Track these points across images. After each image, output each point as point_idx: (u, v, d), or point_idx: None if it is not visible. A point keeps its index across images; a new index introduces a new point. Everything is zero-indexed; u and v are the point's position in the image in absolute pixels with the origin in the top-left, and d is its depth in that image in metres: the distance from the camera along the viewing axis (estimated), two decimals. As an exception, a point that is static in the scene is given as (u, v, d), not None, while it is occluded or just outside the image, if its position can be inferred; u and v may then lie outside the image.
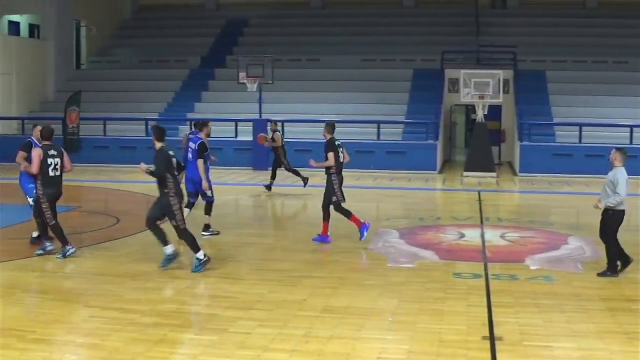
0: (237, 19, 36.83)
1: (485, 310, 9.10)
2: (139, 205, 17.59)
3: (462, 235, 14.13)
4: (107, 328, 8.37)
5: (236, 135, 26.42)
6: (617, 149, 11.08)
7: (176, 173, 11.14)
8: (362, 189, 21.13)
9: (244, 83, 25.67)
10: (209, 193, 13.87)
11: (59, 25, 32.36)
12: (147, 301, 9.46)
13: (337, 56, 32.00)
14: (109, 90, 31.41)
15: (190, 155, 13.65)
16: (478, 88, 24.82)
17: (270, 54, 26.77)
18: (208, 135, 13.97)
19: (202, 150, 13.49)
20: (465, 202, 19.56)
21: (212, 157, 14.77)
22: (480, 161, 24.62)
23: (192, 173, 13.57)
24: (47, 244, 12.23)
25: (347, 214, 13.48)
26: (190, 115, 28.38)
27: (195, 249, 11.03)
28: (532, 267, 11.46)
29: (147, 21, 38.54)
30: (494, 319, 8.73)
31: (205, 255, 11.00)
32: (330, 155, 13.17)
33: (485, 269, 11.29)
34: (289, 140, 25.77)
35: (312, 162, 13.65)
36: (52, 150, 11.82)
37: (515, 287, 10.26)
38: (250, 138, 25.68)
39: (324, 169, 13.42)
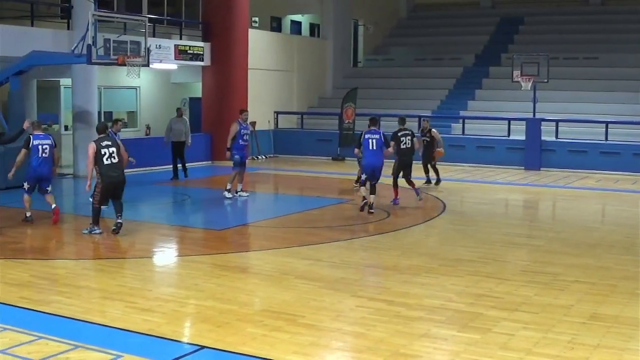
0: (512, 17, 36.29)
1: None
2: (410, 201, 17.91)
3: None
4: (373, 318, 8.63)
5: (509, 134, 26.06)
6: None
7: None
8: (638, 193, 20.12)
9: (518, 82, 25.27)
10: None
11: (338, 24, 33.54)
12: (413, 295, 9.63)
13: (617, 54, 30.51)
14: (384, 87, 32.07)
15: (372, 146, 15.87)
16: None
17: (546, 52, 26.13)
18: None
19: (387, 141, 16.27)
20: None
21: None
22: None
23: (373, 160, 15.91)
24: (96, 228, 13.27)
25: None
26: (463, 114, 28.40)
27: None
28: None
29: (422, 20, 38.99)
30: None
31: None
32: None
33: None
34: (564, 140, 25.11)
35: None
36: (106, 141, 13.15)
37: None
38: (523, 137, 25.27)
39: None
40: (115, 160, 12.98)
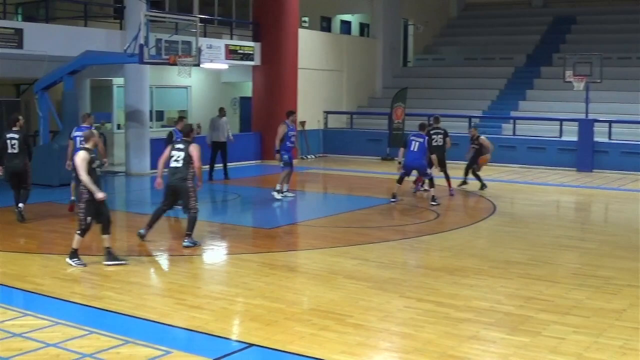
0: (564, 16, 35.91)
1: None
2: (457, 201, 17.84)
3: None
4: (421, 319, 8.60)
5: (560, 135, 25.76)
6: None
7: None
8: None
9: (570, 82, 24.96)
10: (429, 171, 17.39)
11: (388, 24, 33.44)
12: (462, 297, 9.57)
13: (672, 54, 30.08)
14: (434, 87, 31.92)
15: (414, 147, 17.08)
16: None
17: (599, 51, 25.78)
18: None
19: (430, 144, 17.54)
20: None
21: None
22: None
23: (412, 160, 17.20)
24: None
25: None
26: (514, 114, 28.14)
27: None
28: None
29: (473, 19, 38.77)
30: None
31: None
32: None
33: None
34: (617, 141, 24.73)
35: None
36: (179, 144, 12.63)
37: None
38: (575, 138, 24.96)
39: None
40: (178, 165, 12.41)
